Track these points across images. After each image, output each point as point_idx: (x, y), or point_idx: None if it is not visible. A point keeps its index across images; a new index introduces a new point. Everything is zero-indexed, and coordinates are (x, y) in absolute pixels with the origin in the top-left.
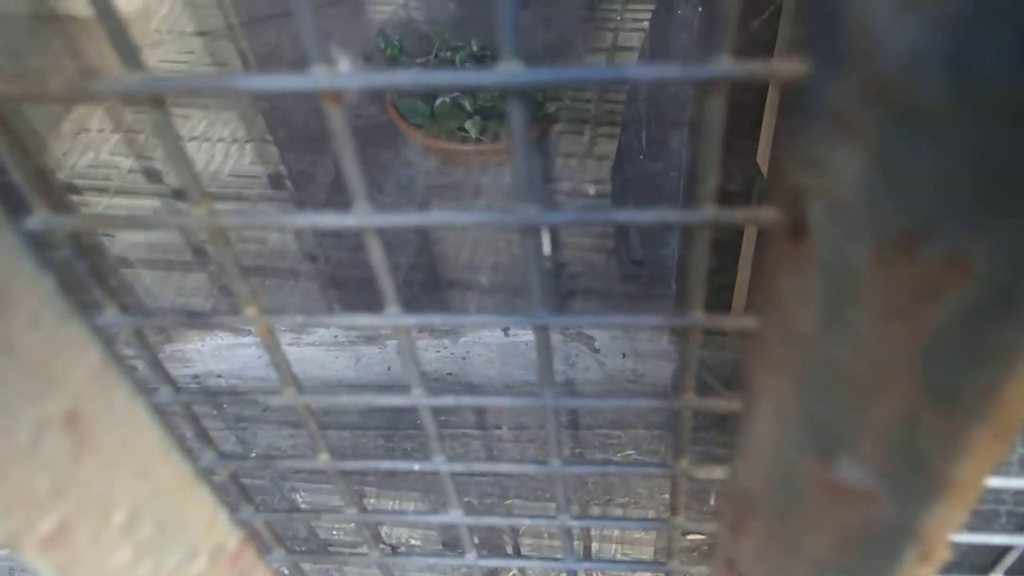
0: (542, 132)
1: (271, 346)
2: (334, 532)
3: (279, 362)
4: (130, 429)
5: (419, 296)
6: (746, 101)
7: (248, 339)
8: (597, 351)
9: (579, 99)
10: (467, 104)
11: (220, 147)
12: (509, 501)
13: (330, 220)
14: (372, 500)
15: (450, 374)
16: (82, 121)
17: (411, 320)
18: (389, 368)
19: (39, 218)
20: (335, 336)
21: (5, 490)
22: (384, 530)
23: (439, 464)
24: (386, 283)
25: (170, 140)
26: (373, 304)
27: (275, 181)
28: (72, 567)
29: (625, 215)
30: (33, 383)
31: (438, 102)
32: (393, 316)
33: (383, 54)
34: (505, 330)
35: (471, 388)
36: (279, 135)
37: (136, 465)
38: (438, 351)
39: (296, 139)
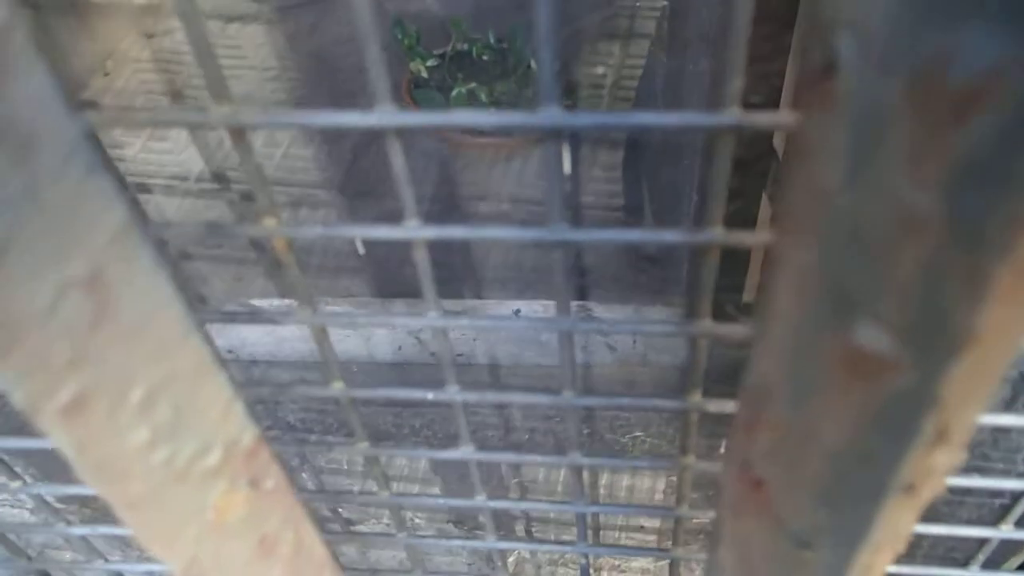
0: None
1: (288, 262)
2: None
3: (295, 280)
4: (151, 302)
5: (443, 286)
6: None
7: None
8: (607, 335)
9: (597, 85)
10: (483, 95)
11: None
12: (522, 474)
13: (352, 119)
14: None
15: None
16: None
17: (429, 233)
18: (400, 348)
19: None
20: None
21: (23, 353)
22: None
23: (452, 393)
24: (406, 193)
25: (196, 27)
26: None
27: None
28: (90, 442)
29: (648, 117)
30: (56, 240)
31: (454, 92)
32: (412, 229)
33: (400, 44)
34: (516, 311)
35: (485, 366)
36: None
37: (155, 342)
38: (453, 330)
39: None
